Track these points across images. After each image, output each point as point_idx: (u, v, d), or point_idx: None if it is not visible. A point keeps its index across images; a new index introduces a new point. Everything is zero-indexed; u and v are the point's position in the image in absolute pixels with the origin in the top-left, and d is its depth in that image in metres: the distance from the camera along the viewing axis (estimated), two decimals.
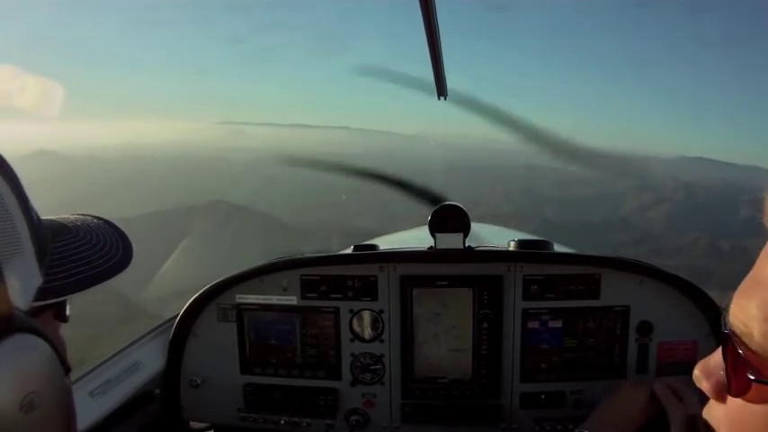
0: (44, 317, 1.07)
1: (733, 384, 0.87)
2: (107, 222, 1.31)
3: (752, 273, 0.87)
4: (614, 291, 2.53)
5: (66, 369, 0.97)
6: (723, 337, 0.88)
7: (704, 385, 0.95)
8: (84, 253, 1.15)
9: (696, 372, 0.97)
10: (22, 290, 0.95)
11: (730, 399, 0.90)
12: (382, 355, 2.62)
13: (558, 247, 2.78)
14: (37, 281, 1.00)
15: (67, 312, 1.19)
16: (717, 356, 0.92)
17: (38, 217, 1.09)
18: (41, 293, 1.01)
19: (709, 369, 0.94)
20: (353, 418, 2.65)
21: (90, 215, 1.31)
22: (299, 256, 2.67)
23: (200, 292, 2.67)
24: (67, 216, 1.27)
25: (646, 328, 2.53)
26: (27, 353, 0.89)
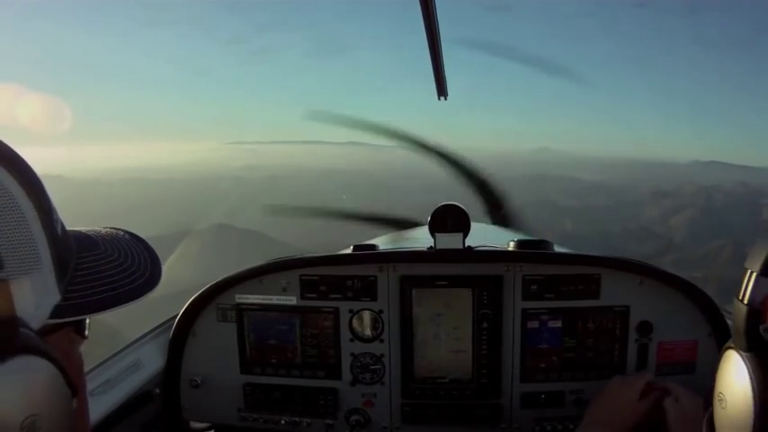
0: (61, 333, 1.05)
1: None
2: (137, 238, 1.29)
3: None
4: (614, 291, 2.61)
5: (74, 391, 0.95)
6: None
7: None
8: (110, 271, 1.13)
9: None
10: (35, 307, 0.94)
11: None
12: (382, 355, 2.71)
13: (557, 248, 2.82)
14: (54, 298, 0.98)
15: (87, 330, 1.18)
16: None
17: (63, 229, 1.07)
18: (60, 311, 0.99)
19: None
20: (354, 417, 2.73)
21: (121, 229, 1.30)
22: (299, 256, 2.76)
23: (200, 292, 2.76)
24: (98, 228, 1.26)
25: (646, 329, 2.60)
26: (30, 375, 0.88)
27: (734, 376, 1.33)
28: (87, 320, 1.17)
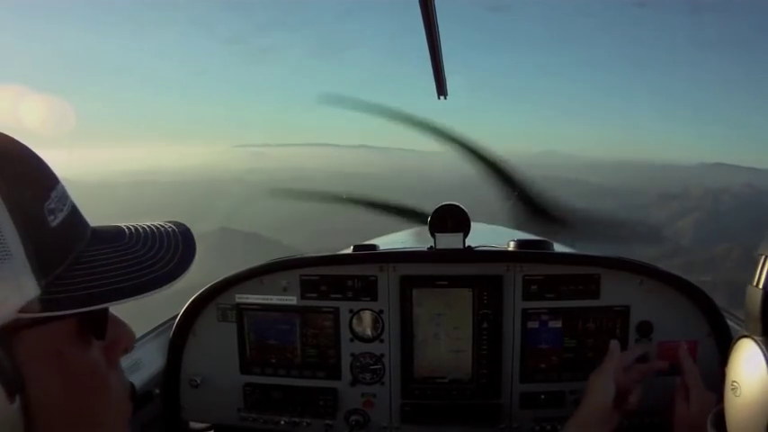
0: (51, 328, 0.97)
1: None
2: (183, 232, 1.21)
3: None
4: (614, 291, 2.60)
5: (13, 390, 0.89)
6: None
7: None
8: (116, 264, 1.06)
9: None
10: (1, 300, 0.89)
11: None
12: (382, 355, 2.71)
13: (558, 247, 2.82)
14: (29, 292, 0.91)
15: (90, 326, 1.08)
16: None
17: (67, 221, 1.03)
18: (41, 305, 0.92)
19: None
20: (353, 418, 2.73)
21: (172, 221, 1.24)
22: (299, 256, 2.77)
23: (200, 292, 2.77)
24: (146, 222, 1.20)
25: (646, 328, 2.60)
26: None
27: (749, 363, 1.33)
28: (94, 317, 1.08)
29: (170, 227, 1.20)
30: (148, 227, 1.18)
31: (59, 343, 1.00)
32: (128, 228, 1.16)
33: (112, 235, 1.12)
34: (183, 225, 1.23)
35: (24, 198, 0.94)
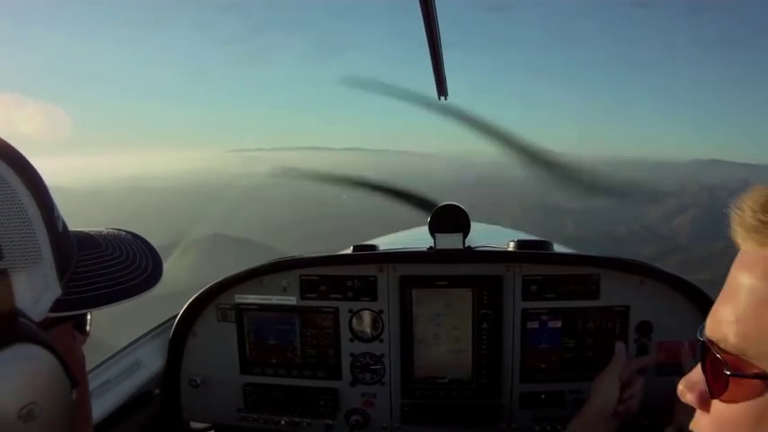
0: (62, 328, 1.07)
1: (713, 387, 0.98)
2: (139, 238, 1.31)
3: (726, 283, 0.99)
4: (614, 291, 2.62)
5: (74, 383, 0.95)
6: (701, 347, 1.00)
7: (689, 398, 1.05)
8: (111, 268, 1.15)
9: (680, 387, 1.07)
10: (35, 300, 0.96)
11: (714, 405, 1.00)
12: (382, 355, 2.72)
13: (557, 248, 2.83)
14: (54, 292, 1.00)
15: (88, 327, 1.21)
16: (697, 370, 1.04)
17: (64, 227, 1.09)
18: (60, 305, 1.00)
19: (691, 382, 1.05)
20: (353, 418, 2.74)
21: (123, 230, 1.33)
22: (299, 257, 2.78)
23: (200, 292, 2.78)
24: (100, 229, 1.28)
25: (645, 329, 2.62)
26: (28, 363, 0.88)
27: None
28: (89, 317, 1.21)
29: (125, 234, 1.30)
30: (108, 234, 1.27)
31: (69, 340, 1.13)
32: (94, 234, 1.24)
33: (88, 241, 1.20)
34: (131, 232, 1.33)
35: (45, 202, 1.01)
